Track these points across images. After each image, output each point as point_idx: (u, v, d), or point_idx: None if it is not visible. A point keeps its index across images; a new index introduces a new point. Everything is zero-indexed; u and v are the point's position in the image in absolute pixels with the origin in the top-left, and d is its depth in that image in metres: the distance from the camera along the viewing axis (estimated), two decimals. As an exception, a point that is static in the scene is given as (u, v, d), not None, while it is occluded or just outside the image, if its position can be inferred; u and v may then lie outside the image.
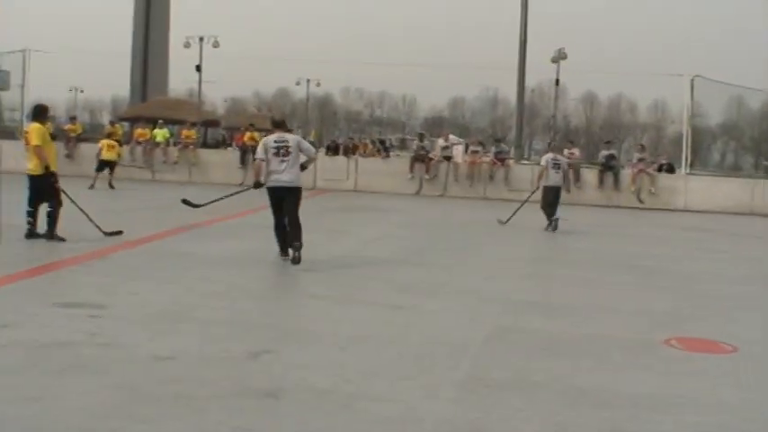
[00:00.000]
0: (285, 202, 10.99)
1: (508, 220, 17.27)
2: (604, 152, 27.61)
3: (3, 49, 33.81)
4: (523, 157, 33.72)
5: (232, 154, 30.19)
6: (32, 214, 11.87)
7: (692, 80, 27.94)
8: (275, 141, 11.07)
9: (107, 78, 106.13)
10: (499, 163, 26.85)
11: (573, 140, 35.22)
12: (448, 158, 27.70)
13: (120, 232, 12.44)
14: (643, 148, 29.06)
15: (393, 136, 76.92)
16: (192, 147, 29.23)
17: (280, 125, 11.67)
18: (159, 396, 5.16)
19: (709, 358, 6.92)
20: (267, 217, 11.31)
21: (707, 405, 5.59)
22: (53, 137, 12.95)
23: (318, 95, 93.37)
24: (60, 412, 4.82)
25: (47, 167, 11.78)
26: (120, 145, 26.48)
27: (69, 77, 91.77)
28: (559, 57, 33.22)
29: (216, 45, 40.03)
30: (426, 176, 26.90)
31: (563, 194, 17.24)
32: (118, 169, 24.59)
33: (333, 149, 34.52)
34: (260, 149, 11.23)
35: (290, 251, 10.90)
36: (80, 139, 29.68)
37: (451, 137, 32.35)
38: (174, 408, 4.96)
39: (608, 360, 6.61)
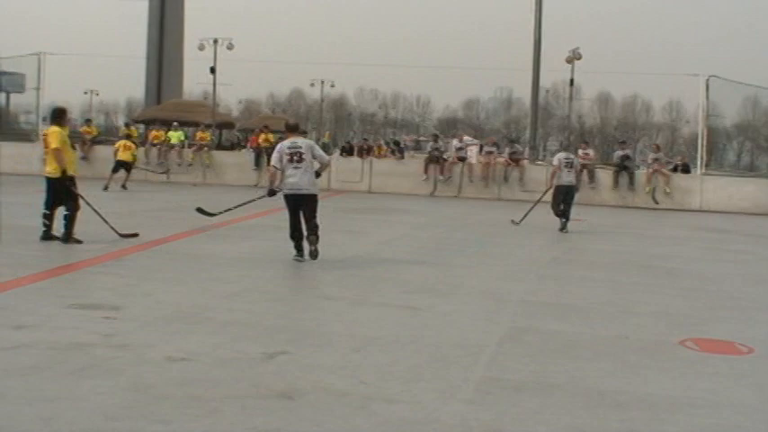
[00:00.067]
0: (302, 208, 11.02)
1: (521, 220, 17.25)
2: (619, 152, 27.48)
3: (18, 53, 34.04)
4: (538, 157, 33.56)
5: (246, 155, 30.23)
6: (49, 217, 11.91)
7: (708, 80, 27.76)
8: (289, 147, 11.09)
9: (122, 81, 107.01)
10: (513, 163, 26.79)
11: (587, 141, 35.16)
12: (462, 159, 27.68)
13: (135, 234, 12.47)
14: (658, 149, 28.94)
15: (407, 137, 76.95)
16: (206, 148, 29.31)
17: (293, 129, 11.70)
18: (174, 397, 5.17)
19: (726, 359, 6.88)
20: (281, 218, 11.33)
21: (724, 406, 5.56)
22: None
23: (333, 97, 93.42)
24: (76, 413, 4.82)
25: (63, 171, 11.81)
26: (136, 146, 26.64)
27: (84, 80, 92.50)
28: (574, 57, 33.02)
29: (230, 47, 39.99)
30: (441, 177, 26.86)
31: (577, 194, 17.19)
32: (133, 171, 24.73)
33: (347, 151, 34.57)
34: (275, 157, 11.28)
35: (307, 246, 10.95)
36: (95, 141, 29.84)
37: (466, 138, 32.40)
38: (188, 408, 4.96)
39: (625, 361, 6.58)
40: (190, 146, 29.98)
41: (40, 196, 12.11)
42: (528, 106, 39.02)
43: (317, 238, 10.95)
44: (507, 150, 27.69)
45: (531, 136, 33.78)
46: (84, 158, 27.25)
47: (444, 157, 27.55)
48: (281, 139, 11.90)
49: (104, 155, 27.55)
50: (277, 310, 8.40)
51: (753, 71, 72.27)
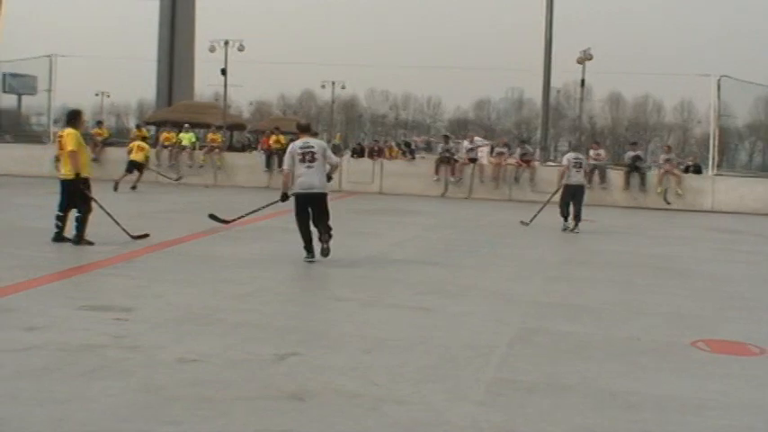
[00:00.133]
0: (312, 208, 11.05)
1: (531, 220, 17.24)
2: (630, 153, 27.43)
3: (30, 55, 34.17)
4: (549, 158, 33.51)
5: (257, 157, 30.26)
6: (62, 219, 11.94)
7: (719, 80, 27.67)
8: (301, 148, 11.12)
9: (133, 83, 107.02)
10: (524, 164, 26.74)
11: (599, 141, 35.07)
12: (473, 160, 27.64)
13: (146, 235, 12.49)
14: (669, 149, 28.87)
15: (418, 138, 76.89)
16: (217, 150, 29.34)
17: (305, 129, 11.72)
18: (185, 398, 5.17)
19: (738, 360, 6.86)
20: (291, 220, 11.33)
21: (736, 407, 5.53)
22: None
23: (344, 98, 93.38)
24: (87, 414, 4.83)
25: (77, 173, 11.85)
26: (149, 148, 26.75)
27: (96, 82, 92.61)
28: (585, 57, 33.01)
29: (241, 49, 40.10)
30: (452, 179, 26.83)
31: (587, 195, 17.18)
32: (145, 172, 24.83)
33: (358, 152, 34.60)
34: (287, 159, 11.31)
35: (318, 245, 10.98)
36: (106, 143, 29.93)
37: (477, 139, 32.35)
38: (199, 410, 4.97)
39: (636, 362, 6.55)
40: (201, 147, 30.02)
41: (51, 198, 12.15)
42: (539, 107, 39.01)
43: (330, 237, 10.99)
44: (518, 151, 27.65)
45: (542, 137, 33.74)
46: (96, 160, 27.28)
47: (455, 158, 27.49)
48: (293, 140, 11.90)
49: (115, 156, 27.63)
50: (288, 311, 8.41)
51: (765, 71, 71.92)
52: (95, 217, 12.04)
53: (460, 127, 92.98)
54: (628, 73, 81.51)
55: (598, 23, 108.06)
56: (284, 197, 11.47)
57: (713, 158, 28.64)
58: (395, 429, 4.83)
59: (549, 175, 25.15)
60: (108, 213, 12.28)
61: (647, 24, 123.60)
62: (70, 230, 11.85)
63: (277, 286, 9.63)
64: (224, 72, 38.29)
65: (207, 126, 38.06)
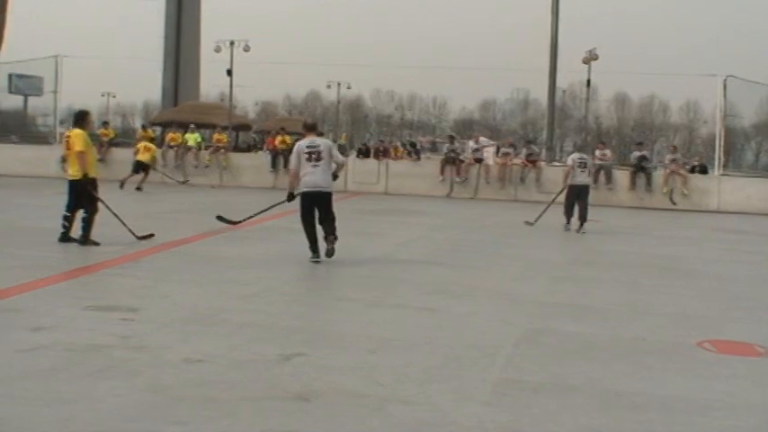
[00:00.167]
0: (318, 207, 11.06)
1: (536, 221, 17.23)
2: (636, 153, 27.36)
3: (36, 56, 34.20)
4: (555, 158, 33.47)
5: (263, 157, 30.27)
6: (69, 219, 11.97)
7: (725, 80, 27.61)
8: (307, 146, 11.14)
9: (139, 83, 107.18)
10: (530, 165, 26.72)
11: (604, 141, 35.00)
12: (479, 161, 27.62)
13: (151, 235, 12.50)
14: (675, 149, 28.84)
15: (424, 138, 76.90)
16: (223, 150, 29.34)
17: (311, 129, 11.73)
18: (191, 398, 5.18)
19: (744, 361, 6.85)
20: (297, 221, 11.33)
21: (742, 408, 5.53)
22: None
23: (349, 98, 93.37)
24: (93, 414, 4.85)
25: (85, 173, 11.88)
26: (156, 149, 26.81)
27: (101, 83, 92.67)
28: (591, 57, 32.87)
29: (246, 49, 40.02)
30: (457, 179, 26.81)
31: (593, 195, 17.19)
32: (151, 173, 24.89)
33: (364, 152, 34.58)
34: (293, 157, 11.34)
35: (323, 245, 10.99)
36: (112, 143, 29.97)
37: (482, 139, 32.31)
38: (205, 410, 4.97)
39: (642, 363, 6.55)
40: (206, 148, 30.04)
41: (57, 199, 12.17)
42: (545, 107, 38.90)
43: (336, 238, 11.01)
44: (524, 151, 27.63)
45: (548, 137, 33.64)
46: (102, 161, 27.34)
47: (461, 158, 27.50)
48: (298, 140, 11.91)
49: (121, 157, 27.71)
50: (293, 311, 8.41)
51: (772, 71, 71.80)
52: (101, 217, 12.07)
53: (466, 127, 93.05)
54: (633, 73, 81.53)
55: (604, 23, 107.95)
56: (291, 197, 11.49)
57: (719, 158, 28.56)
58: (400, 429, 4.84)
59: (554, 176, 25.12)
60: (115, 214, 12.31)
61: (653, 24, 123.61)
62: (76, 231, 11.87)
63: (282, 286, 9.64)
64: (229, 72, 38.23)
65: (212, 126, 38.10)
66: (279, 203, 12.25)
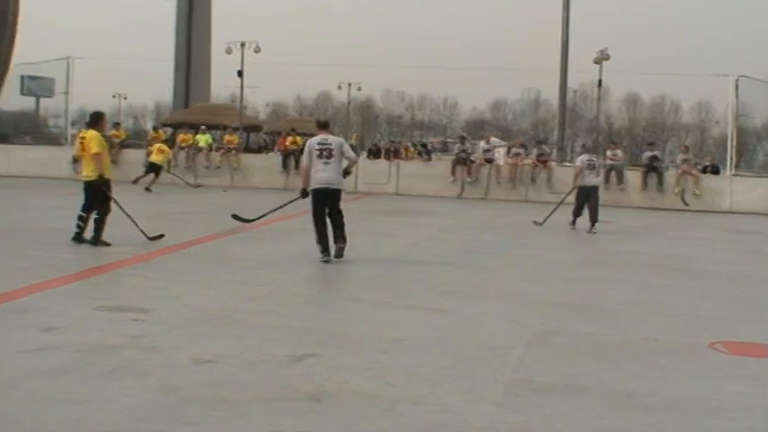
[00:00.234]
0: (329, 204, 11.10)
1: (544, 221, 17.20)
2: (648, 153, 27.27)
3: (47, 57, 34.32)
4: (566, 158, 33.41)
5: (274, 158, 30.31)
6: (84, 219, 12.01)
7: (737, 80, 27.50)
8: (318, 144, 11.20)
9: (150, 84, 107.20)
10: (541, 165, 26.68)
11: (616, 141, 34.94)
12: (489, 161, 27.60)
13: (162, 236, 12.51)
14: (687, 149, 28.73)
15: (434, 139, 76.87)
16: (234, 151, 29.39)
17: (324, 126, 11.77)
18: (202, 399, 5.18)
19: (757, 362, 6.83)
20: (308, 221, 11.35)
21: (755, 409, 5.51)
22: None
23: (360, 99, 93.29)
24: (105, 414, 4.85)
25: (101, 175, 11.92)
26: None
27: (113, 84, 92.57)
28: (602, 58, 32.80)
29: (257, 50, 40.10)
30: (468, 179, 26.77)
31: (604, 195, 17.19)
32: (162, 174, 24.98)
33: (374, 153, 34.61)
34: (305, 155, 11.39)
35: (333, 245, 11.01)
36: (124, 145, 30.05)
37: (493, 139, 32.28)
38: (216, 411, 4.98)
39: (654, 364, 6.53)
40: (217, 149, 30.09)
41: (69, 199, 12.22)
42: (556, 107, 38.88)
43: (345, 240, 11.04)
44: (535, 152, 27.58)
45: (559, 137, 33.62)
46: (113, 162, 27.40)
47: (471, 158, 27.46)
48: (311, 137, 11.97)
49: (133, 158, 27.78)
50: (304, 312, 8.41)
51: (783, 71, 71.49)
52: (112, 218, 12.09)
53: (477, 128, 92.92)
54: (645, 73, 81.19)
55: (615, 23, 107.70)
56: (304, 193, 11.54)
57: (731, 159, 28.47)
58: (411, 430, 4.83)
59: (565, 176, 25.05)
60: (127, 215, 12.33)
61: (664, 24, 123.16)
62: (89, 231, 11.91)
63: (294, 287, 9.64)
64: (240, 73, 38.30)
65: (223, 127, 38.14)
66: (292, 201, 12.29)
